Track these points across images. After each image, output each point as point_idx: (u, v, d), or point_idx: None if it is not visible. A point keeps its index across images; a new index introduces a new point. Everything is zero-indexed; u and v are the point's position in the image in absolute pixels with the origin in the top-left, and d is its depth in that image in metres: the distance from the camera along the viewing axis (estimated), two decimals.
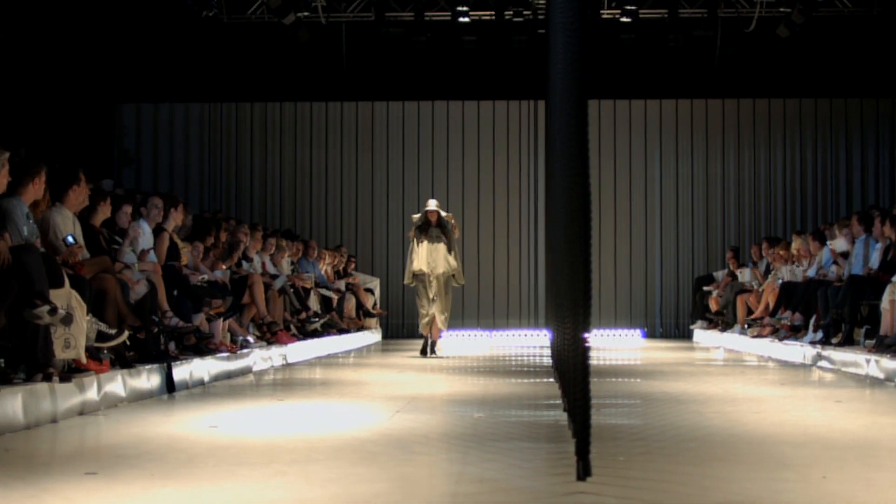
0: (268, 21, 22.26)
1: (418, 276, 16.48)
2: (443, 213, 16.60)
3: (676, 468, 5.88)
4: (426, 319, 16.49)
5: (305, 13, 21.79)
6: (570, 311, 5.76)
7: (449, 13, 22.25)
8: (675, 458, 6.20)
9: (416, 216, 16.78)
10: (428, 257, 16.38)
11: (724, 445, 6.78)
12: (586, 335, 5.19)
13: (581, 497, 5.01)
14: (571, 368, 5.96)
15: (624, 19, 21.63)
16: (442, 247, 16.43)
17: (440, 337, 16.98)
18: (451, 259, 16.50)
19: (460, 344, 21.18)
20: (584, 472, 5.18)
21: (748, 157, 23.61)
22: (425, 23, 22.42)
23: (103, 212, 10.96)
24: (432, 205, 16.74)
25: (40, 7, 19.80)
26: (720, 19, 22.32)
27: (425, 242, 16.44)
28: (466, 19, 22.22)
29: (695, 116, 23.68)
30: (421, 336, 16.94)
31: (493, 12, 22.12)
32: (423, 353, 16.56)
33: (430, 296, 16.40)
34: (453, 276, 16.57)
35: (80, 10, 20.76)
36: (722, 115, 23.69)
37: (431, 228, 16.52)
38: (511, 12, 21.90)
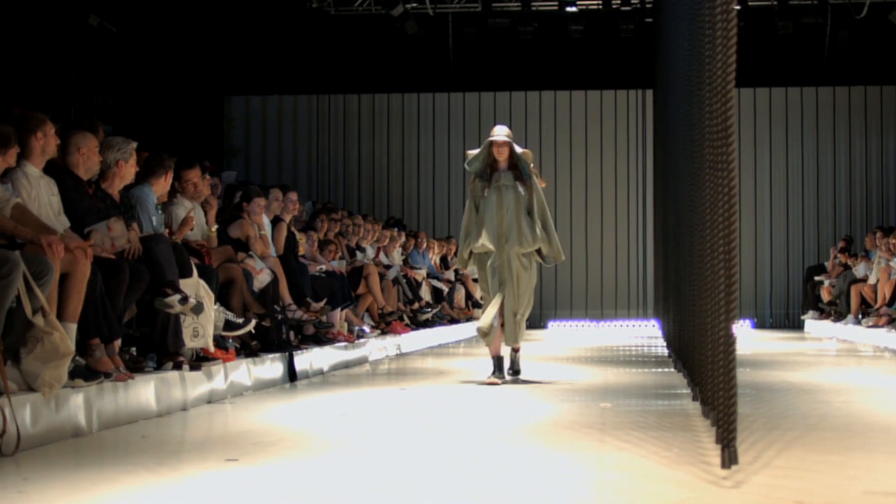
0: (375, 13, 22.38)
1: (481, 258, 10.30)
2: (518, 149, 10.15)
3: (817, 457, 5.82)
4: (488, 325, 10.11)
5: (413, 4, 21.88)
6: (712, 302, 5.72)
7: (556, 3, 22.22)
8: (813, 447, 6.13)
9: (474, 152, 10.33)
10: (496, 225, 10.13)
11: (861, 435, 6.70)
12: (733, 325, 5.16)
13: (727, 484, 4.98)
14: (711, 358, 5.93)
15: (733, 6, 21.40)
16: (518, 205, 10.12)
17: (518, 348, 10.53)
18: (536, 227, 10.14)
19: (568, 335, 21.11)
20: (729, 460, 5.15)
21: (859, 146, 23.30)
22: (532, 13, 22.42)
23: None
24: (500, 133, 10.21)
25: (151, 2, 20.04)
26: (830, 6, 22.05)
27: (491, 199, 10.14)
28: (573, 9, 22.18)
29: (805, 104, 23.42)
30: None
31: (600, 2, 22.06)
32: (497, 373, 10.23)
33: (498, 285, 10.16)
34: (539, 252, 10.27)
35: (189, 5, 20.99)
36: (833, 102, 23.39)
37: (500, 174, 10.18)
38: (619, 1, 21.83)
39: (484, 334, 10.19)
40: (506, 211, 10.09)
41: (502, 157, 10.13)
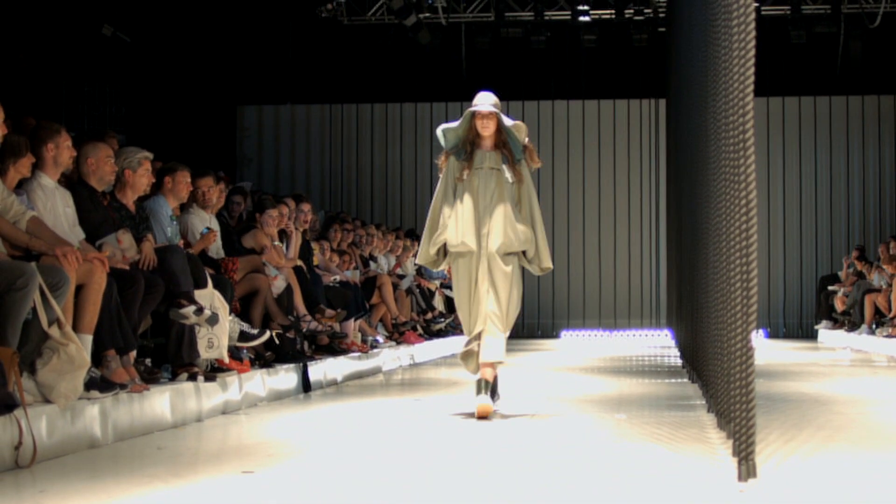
0: (388, 22, 22.39)
1: (455, 258, 8.34)
2: (507, 121, 8.22)
3: (836, 470, 5.79)
4: (469, 336, 8.40)
5: (426, 14, 21.89)
6: (728, 313, 5.71)
7: (569, 12, 22.21)
8: (832, 460, 6.10)
9: (450, 126, 8.37)
10: (473, 216, 8.21)
11: (879, 447, 6.65)
12: (751, 336, 5.14)
13: (745, 498, 4.96)
14: (727, 370, 5.91)
15: None
16: (504, 194, 8.23)
17: (494, 365, 8.37)
18: (520, 224, 8.25)
19: (581, 345, 21.06)
20: (747, 473, 5.13)
21: (873, 155, 23.24)
22: (545, 22, 22.41)
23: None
24: (485, 102, 8.24)
25: (164, 12, 20.08)
26: (844, 15, 22.00)
27: (471, 184, 8.23)
28: (587, 18, 22.17)
29: (818, 114, 23.36)
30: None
31: (613, 11, 22.05)
32: (486, 392, 8.27)
33: (476, 292, 8.22)
34: (524, 255, 8.35)
35: (202, 14, 21.01)
36: (846, 112, 23.34)
37: (483, 154, 8.26)
38: (631, 11, 21.82)
39: (464, 354, 8.51)
40: (489, 200, 8.18)
41: (487, 132, 8.19)
